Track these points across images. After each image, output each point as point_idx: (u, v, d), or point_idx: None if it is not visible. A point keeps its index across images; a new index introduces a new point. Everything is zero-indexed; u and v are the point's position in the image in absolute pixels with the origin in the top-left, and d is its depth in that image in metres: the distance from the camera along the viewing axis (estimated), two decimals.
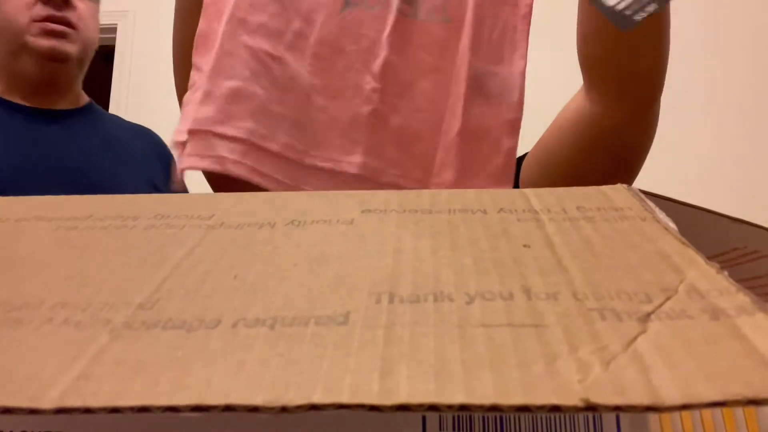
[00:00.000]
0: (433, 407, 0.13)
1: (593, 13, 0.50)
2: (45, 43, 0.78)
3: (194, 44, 0.48)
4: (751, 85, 2.12)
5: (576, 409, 0.13)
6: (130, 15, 2.32)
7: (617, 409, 0.13)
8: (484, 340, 0.15)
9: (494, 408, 0.13)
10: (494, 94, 0.49)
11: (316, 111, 0.47)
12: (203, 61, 0.47)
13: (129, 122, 0.94)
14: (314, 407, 0.13)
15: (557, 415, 0.19)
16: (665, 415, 0.25)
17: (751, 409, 0.25)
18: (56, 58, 0.79)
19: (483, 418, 0.20)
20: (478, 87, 0.49)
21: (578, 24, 0.52)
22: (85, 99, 0.88)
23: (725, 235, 0.27)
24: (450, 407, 0.13)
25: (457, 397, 0.13)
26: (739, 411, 0.24)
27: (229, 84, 0.44)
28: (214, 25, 0.48)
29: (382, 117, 0.48)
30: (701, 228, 0.24)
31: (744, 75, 2.12)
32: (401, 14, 0.48)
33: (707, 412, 0.24)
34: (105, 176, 0.79)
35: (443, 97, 0.49)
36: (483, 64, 0.49)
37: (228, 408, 0.14)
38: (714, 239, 0.25)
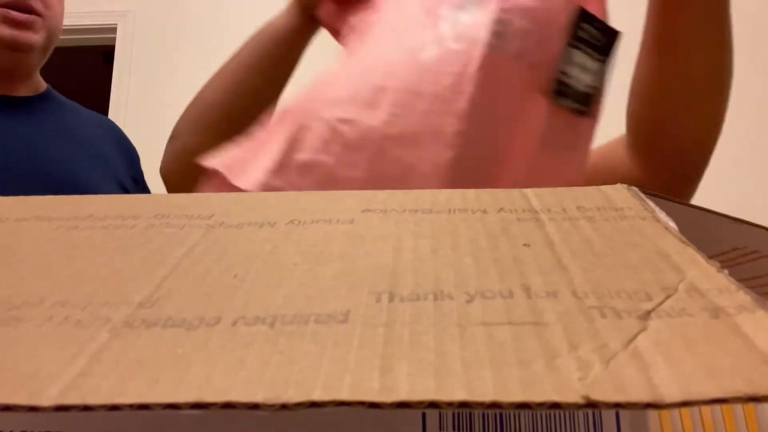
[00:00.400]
0: (433, 404, 0.13)
1: (650, 67, 0.49)
2: (7, 32, 0.74)
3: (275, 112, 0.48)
4: (752, 85, 2.11)
5: (576, 406, 0.13)
6: (130, 15, 2.32)
7: (617, 406, 0.13)
8: (484, 339, 0.15)
9: (494, 405, 0.13)
10: (564, 148, 0.47)
11: (390, 164, 0.44)
12: (274, 127, 0.47)
13: (87, 110, 0.90)
14: (314, 405, 0.13)
15: (557, 415, 0.19)
16: (665, 415, 0.25)
17: (751, 408, 0.25)
18: (19, 48, 0.76)
19: (483, 417, 0.20)
20: (552, 139, 0.47)
21: (633, 78, 0.51)
22: (43, 85, 0.85)
23: (725, 235, 0.27)
24: (450, 404, 0.13)
25: (458, 394, 0.13)
26: (739, 410, 0.24)
27: (300, 157, 0.44)
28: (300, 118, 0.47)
29: (464, 164, 0.44)
30: (701, 228, 0.24)
31: (745, 75, 2.11)
32: (490, 48, 0.44)
33: (707, 413, 0.24)
34: (73, 174, 0.77)
35: (520, 144, 0.46)
36: (562, 116, 0.47)
37: (228, 405, 0.14)
38: (714, 239, 0.25)
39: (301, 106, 0.46)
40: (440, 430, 0.20)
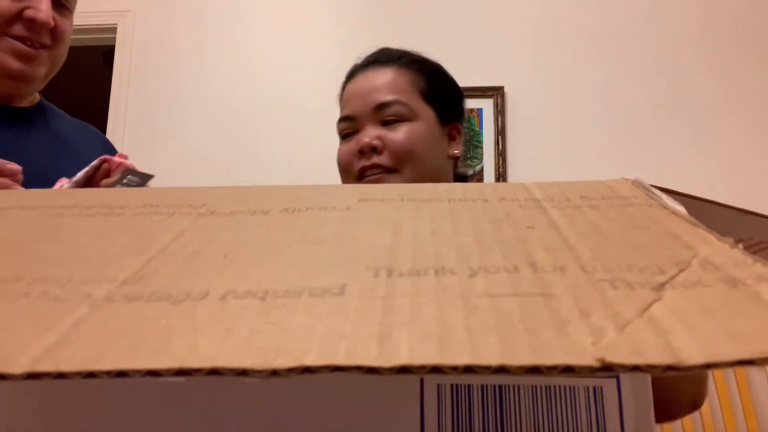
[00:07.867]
0: (435, 369, 0.12)
1: None
2: (15, 65, 0.73)
3: None
4: (754, 84, 2.09)
5: (590, 369, 0.12)
6: (130, 15, 2.32)
7: (636, 368, 0.12)
8: (489, 308, 0.14)
9: (501, 369, 0.12)
10: None
11: None
12: None
13: (73, 118, 0.89)
14: (307, 370, 0.12)
15: (558, 396, 0.18)
16: None
17: (751, 408, 0.24)
18: (23, 80, 0.77)
19: (483, 415, 0.19)
20: None
21: None
22: (37, 96, 0.85)
23: (730, 226, 0.27)
24: (454, 368, 0.12)
25: (462, 358, 0.12)
26: (739, 410, 0.23)
27: None
28: None
29: None
30: (706, 219, 0.23)
31: (748, 75, 2.10)
32: None
33: (707, 413, 0.23)
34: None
35: None
36: None
37: (213, 372, 0.12)
38: (719, 230, 0.25)
39: None
40: (439, 429, 0.19)
